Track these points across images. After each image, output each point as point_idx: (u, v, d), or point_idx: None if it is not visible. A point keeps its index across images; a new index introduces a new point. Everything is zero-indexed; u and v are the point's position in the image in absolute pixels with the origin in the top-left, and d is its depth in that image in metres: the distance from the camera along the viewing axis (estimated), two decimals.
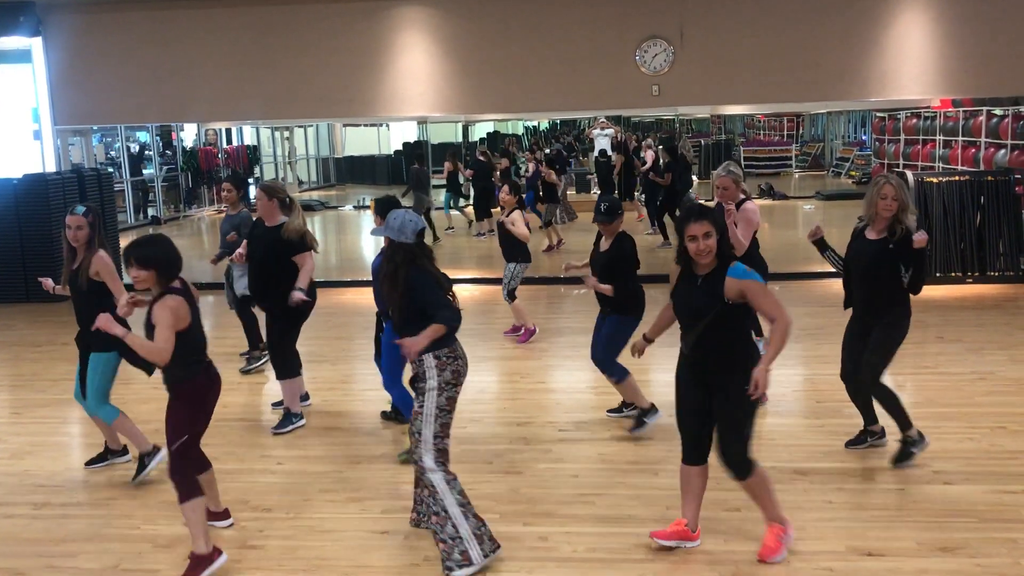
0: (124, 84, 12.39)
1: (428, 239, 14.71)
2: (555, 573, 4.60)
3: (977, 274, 11.46)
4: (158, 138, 21.63)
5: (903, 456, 5.74)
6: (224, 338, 9.06)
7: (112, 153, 20.50)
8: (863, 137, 26.26)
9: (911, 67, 11.48)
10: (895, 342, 5.67)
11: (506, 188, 9.10)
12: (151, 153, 21.21)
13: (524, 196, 11.04)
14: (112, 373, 5.84)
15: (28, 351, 9.54)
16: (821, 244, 6.00)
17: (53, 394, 7.91)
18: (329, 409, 7.28)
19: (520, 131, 30.64)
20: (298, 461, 6.23)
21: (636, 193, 18.36)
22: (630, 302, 6.41)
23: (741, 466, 4.53)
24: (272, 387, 7.88)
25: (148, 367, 5.67)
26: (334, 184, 26.89)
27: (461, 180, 17.54)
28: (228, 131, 23.86)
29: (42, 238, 11.85)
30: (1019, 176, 11.84)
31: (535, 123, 31.35)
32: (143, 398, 7.16)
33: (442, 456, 4.59)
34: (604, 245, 6.55)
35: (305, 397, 7.22)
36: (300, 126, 24.69)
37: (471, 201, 17.44)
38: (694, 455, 4.67)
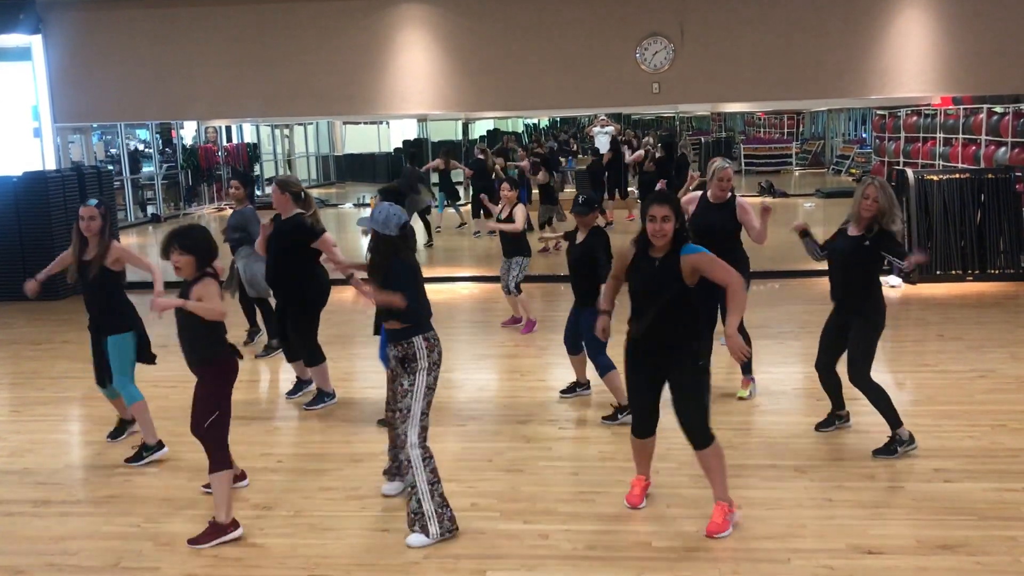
0: (124, 82, 12.39)
1: (422, 240, 14.74)
2: (555, 571, 4.60)
3: (978, 272, 11.46)
4: (158, 136, 21.62)
5: (886, 451, 5.85)
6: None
7: (113, 151, 20.48)
8: (863, 135, 26.25)
9: (911, 65, 11.48)
10: (873, 337, 5.84)
11: (506, 185, 9.54)
12: (151, 151, 21.20)
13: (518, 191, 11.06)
14: (132, 352, 6.13)
15: (27, 349, 9.55)
16: (803, 233, 6.24)
17: (53, 392, 7.92)
18: (330, 407, 7.28)
19: (520, 129, 30.64)
20: (298, 459, 6.24)
21: (630, 190, 18.26)
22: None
23: (703, 435, 4.84)
24: (272, 386, 7.89)
25: (152, 358, 6.24)
26: (334, 182, 26.88)
27: (457, 179, 17.40)
28: (228, 129, 23.84)
29: (42, 236, 11.82)
30: (1019, 174, 11.82)
31: (535, 121, 31.36)
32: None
33: (424, 433, 4.90)
34: (579, 238, 6.82)
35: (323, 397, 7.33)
36: (300, 124, 24.64)
37: (469, 200, 17.33)
38: (648, 429, 5.09)
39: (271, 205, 7.21)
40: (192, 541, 4.93)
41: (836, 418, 6.33)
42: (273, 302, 7.72)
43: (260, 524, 5.19)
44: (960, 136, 16.92)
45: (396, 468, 5.51)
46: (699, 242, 4.89)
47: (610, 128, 20.15)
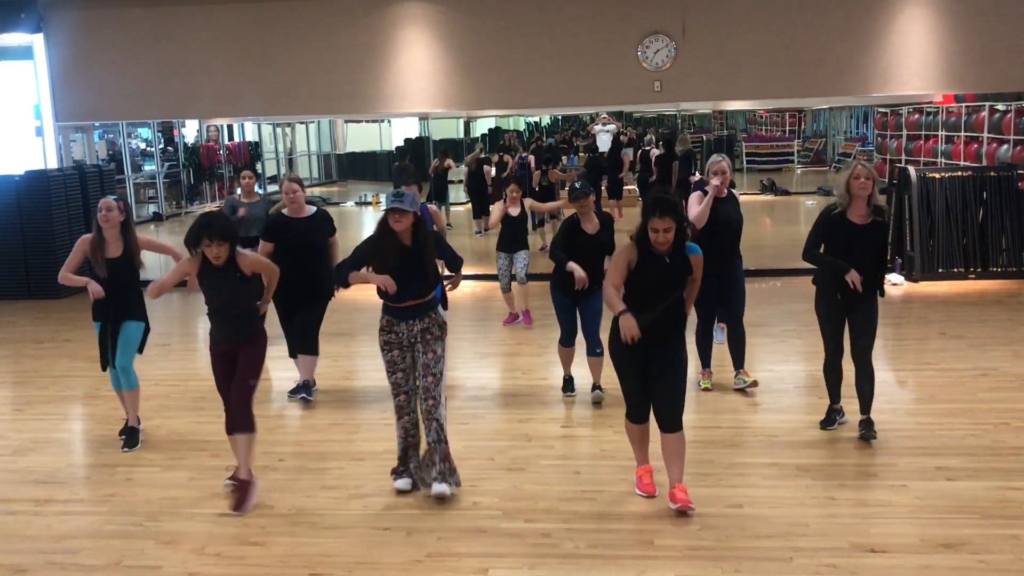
0: (126, 81, 12.37)
1: None
2: (557, 569, 4.60)
3: (980, 270, 11.44)
4: (159, 134, 21.61)
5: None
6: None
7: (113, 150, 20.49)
8: (865, 133, 26.22)
9: (913, 62, 11.45)
10: (876, 320, 6.06)
11: (514, 186, 9.93)
12: (152, 150, 21.20)
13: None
14: (140, 340, 6.48)
15: (30, 347, 9.55)
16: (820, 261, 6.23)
17: (55, 391, 7.92)
18: (330, 405, 7.28)
19: (522, 127, 30.62)
20: (300, 458, 6.24)
21: (629, 188, 18.23)
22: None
23: (679, 418, 5.13)
24: (273, 385, 7.89)
25: (142, 349, 6.57)
26: (335, 180, 26.88)
27: (452, 179, 17.39)
28: (230, 127, 23.85)
29: (44, 235, 11.84)
30: (1022, 172, 11.80)
31: (536, 119, 31.34)
32: (144, 396, 7.14)
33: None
34: (590, 229, 6.90)
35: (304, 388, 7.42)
36: (302, 122, 24.65)
37: (467, 199, 17.31)
38: (644, 414, 5.25)
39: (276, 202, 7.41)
40: (236, 508, 5.25)
41: (836, 413, 6.37)
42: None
43: (262, 523, 5.18)
44: (962, 134, 16.89)
45: (404, 467, 5.55)
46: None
47: (611, 126, 20.13)
